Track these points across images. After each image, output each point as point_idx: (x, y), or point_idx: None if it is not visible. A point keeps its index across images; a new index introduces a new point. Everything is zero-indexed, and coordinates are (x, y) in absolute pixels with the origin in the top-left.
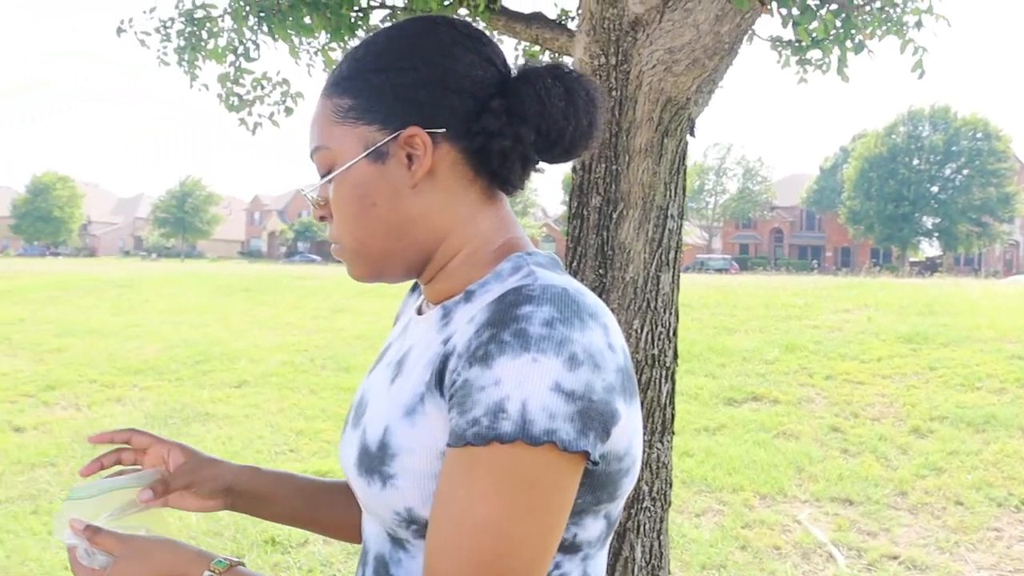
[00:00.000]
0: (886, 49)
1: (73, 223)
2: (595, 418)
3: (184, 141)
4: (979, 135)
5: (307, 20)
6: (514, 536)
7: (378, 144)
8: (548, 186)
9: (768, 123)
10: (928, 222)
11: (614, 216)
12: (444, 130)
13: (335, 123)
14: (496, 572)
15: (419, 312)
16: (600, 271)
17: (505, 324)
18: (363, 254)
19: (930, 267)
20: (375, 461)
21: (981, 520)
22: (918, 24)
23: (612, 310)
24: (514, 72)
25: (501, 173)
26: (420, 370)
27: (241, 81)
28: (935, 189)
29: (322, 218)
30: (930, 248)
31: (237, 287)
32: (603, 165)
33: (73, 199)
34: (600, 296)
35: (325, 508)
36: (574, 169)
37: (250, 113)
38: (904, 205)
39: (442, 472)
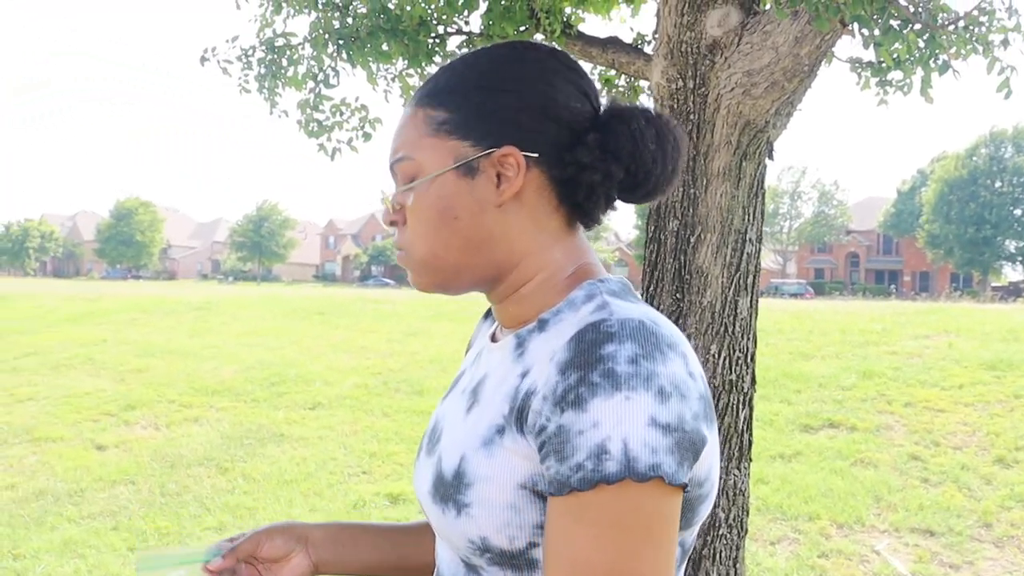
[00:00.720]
0: (967, 69)
1: (154, 247)
2: (688, 448)
3: (262, 166)
4: None
5: (385, 47)
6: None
7: (470, 158)
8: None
9: (844, 146)
10: (1011, 246)
11: (692, 240)
12: (537, 155)
13: (425, 134)
14: None
15: (493, 339)
16: (677, 295)
17: (592, 365)
18: (434, 265)
19: (1013, 292)
20: (450, 489)
21: None
22: (1004, 42)
23: (689, 335)
24: (604, 107)
25: (585, 206)
26: (498, 402)
27: (320, 107)
28: (1018, 212)
29: (392, 223)
30: (1013, 273)
31: (312, 310)
32: (681, 189)
33: (154, 223)
34: (677, 321)
35: (411, 549)
36: None
37: (329, 139)
38: (986, 228)
39: (549, 522)
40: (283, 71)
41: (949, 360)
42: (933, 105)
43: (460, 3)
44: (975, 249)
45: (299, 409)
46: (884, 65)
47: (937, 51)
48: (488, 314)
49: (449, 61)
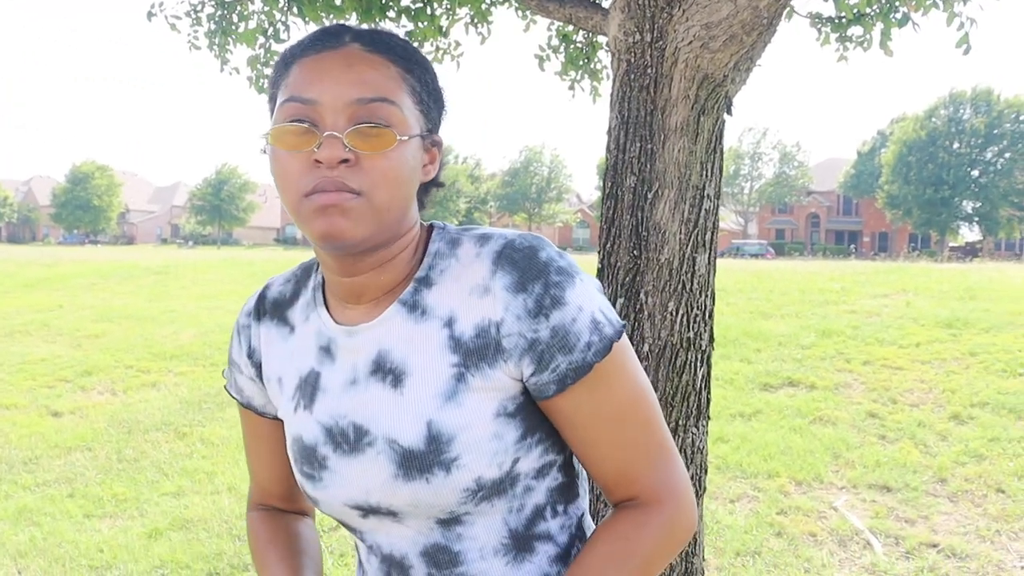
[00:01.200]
0: (928, 28)
1: (112, 212)
2: None
3: (220, 129)
4: (1022, 117)
5: (337, 1)
6: (650, 399)
7: (431, 133)
8: (583, 171)
9: (805, 107)
10: (968, 206)
11: (649, 196)
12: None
13: (405, 92)
14: (660, 431)
15: (335, 321)
16: (635, 252)
17: (543, 272)
18: (383, 218)
19: (970, 252)
20: (429, 456)
21: (1023, 508)
22: None
23: (647, 292)
24: None
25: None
26: (436, 360)
27: (271, 63)
28: (976, 173)
29: (344, 161)
30: (970, 233)
31: (273, 272)
32: (638, 144)
33: (111, 188)
34: (635, 278)
35: (318, 559)
36: (608, 149)
37: None
38: (943, 189)
39: (573, 410)
40: (234, 27)
41: (907, 319)
42: (889, 66)
43: None
44: (933, 210)
45: None
46: (844, 19)
47: (897, 3)
48: (262, 313)
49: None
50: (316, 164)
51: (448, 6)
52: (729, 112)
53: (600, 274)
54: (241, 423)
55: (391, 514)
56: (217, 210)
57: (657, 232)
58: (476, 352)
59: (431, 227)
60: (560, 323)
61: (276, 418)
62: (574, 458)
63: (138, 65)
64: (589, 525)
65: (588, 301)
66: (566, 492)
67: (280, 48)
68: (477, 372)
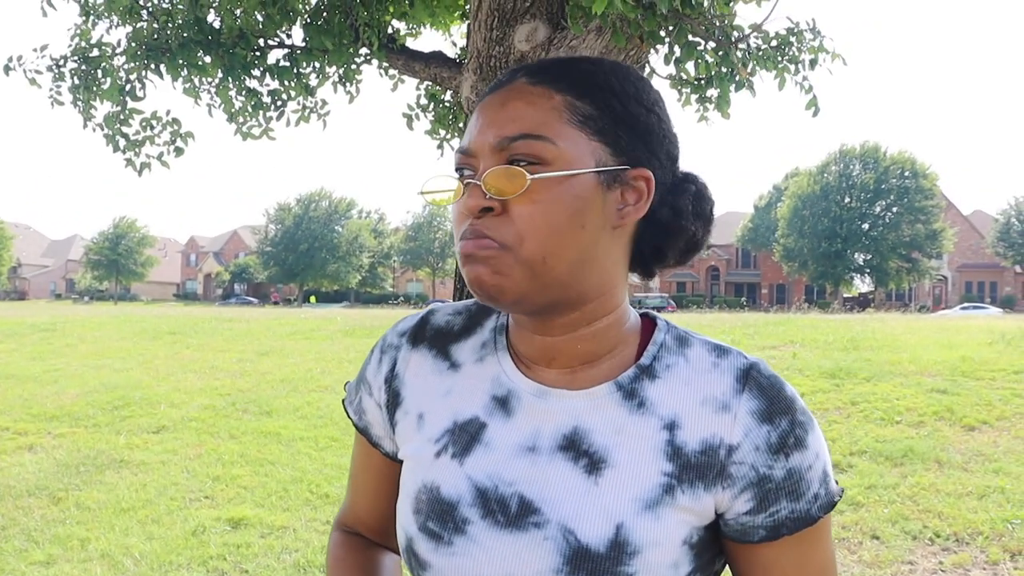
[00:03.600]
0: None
1: (2, 266)
2: None
3: (118, 181)
4: (907, 173)
5: (205, 59)
6: (836, 566)
7: (612, 167)
8: None
9: (701, 164)
10: (860, 258)
11: None
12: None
13: (567, 122)
14: None
15: (517, 368)
16: None
17: (790, 408)
18: (537, 271)
19: (862, 303)
20: (606, 563)
21: (896, 554)
22: (812, 63)
23: None
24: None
25: (664, 253)
26: (646, 460)
27: (130, 121)
28: (866, 226)
29: (484, 210)
30: (862, 284)
31: (164, 330)
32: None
33: (2, 241)
34: None
35: None
36: None
37: (138, 154)
38: (836, 242)
39: (776, 561)
40: (98, 83)
41: (792, 369)
42: (788, 118)
43: (278, 17)
44: (827, 262)
45: (142, 433)
46: (702, 81)
47: (732, 68)
48: (421, 339)
49: (565, 56)
50: (468, 215)
51: (317, 66)
52: None
53: None
54: (354, 443)
55: None
56: (114, 265)
57: None
58: (696, 468)
59: (651, 318)
60: (797, 467)
61: (387, 455)
62: None
63: (29, 112)
64: None
65: (823, 451)
66: None
67: (140, 106)
68: (689, 490)
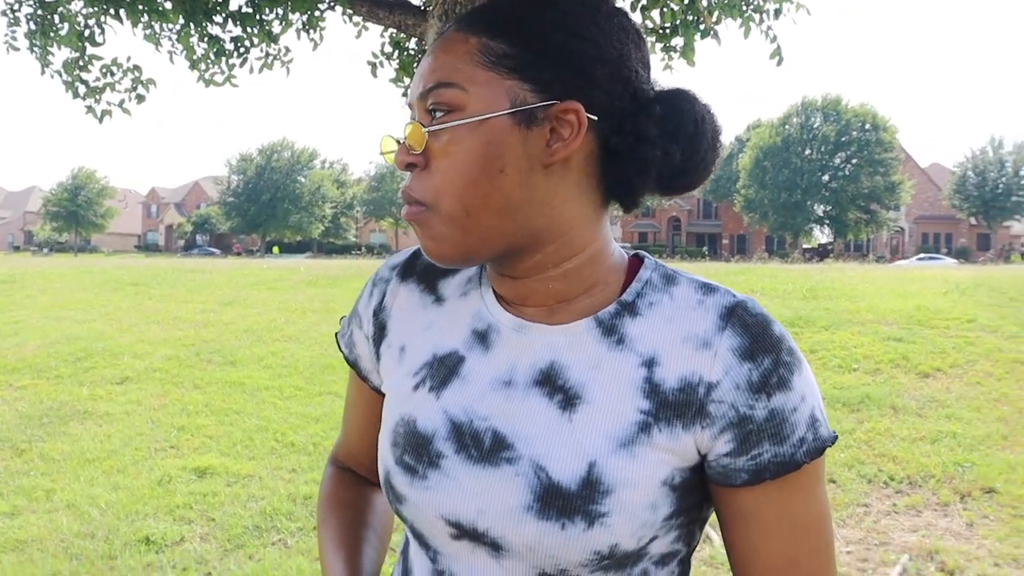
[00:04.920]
0: (785, 36)
1: None
2: None
3: (77, 130)
4: (867, 126)
5: (166, 4)
6: (831, 522)
7: (530, 104)
8: None
9: None
10: (820, 210)
11: None
12: (597, 118)
13: (480, 65)
14: (833, 559)
15: (499, 303)
16: None
17: (776, 347)
18: (464, 226)
19: (821, 253)
20: (577, 501)
21: (852, 497)
22: (777, 12)
23: None
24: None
25: (634, 183)
26: (623, 397)
27: (89, 68)
28: (826, 178)
29: (409, 166)
30: (822, 235)
31: (126, 281)
32: None
33: None
34: None
35: (383, 538)
36: None
37: (98, 101)
38: (797, 193)
39: (759, 506)
40: (55, 28)
41: None
42: (751, 68)
43: None
44: (788, 213)
45: (106, 384)
46: (667, 30)
47: (697, 16)
48: (410, 273)
49: None
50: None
51: (280, 12)
52: None
53: None
54: (348, 378)
55: (494, 546)
56: (74, 216)
57: None
58: (673, 406)
59: (640, 257)
60: (780, 407)
61: (375, 389)
62: (691, 558)
63: None
64: None
65: (811, 393)
66: None
67: (100, 52)
68: (666, 429)
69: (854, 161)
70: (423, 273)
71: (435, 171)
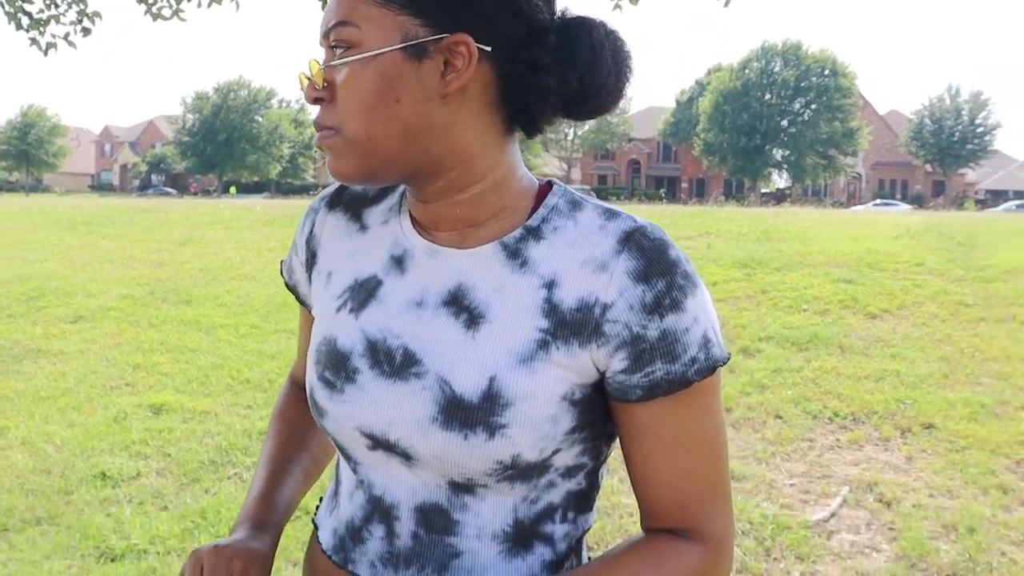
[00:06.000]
0: None
1: None
2: None
3: (25, 65)
4: (827, 72)
5: None
6: (725, 437)
7: (420, 39)
8: None
9: None
10: (778, 154)
11: None
12: (490, 49)
13: (373, 3)
14: (725, 470)
15: (427, 239)
16: None
17: (671, 270)
18: (366, 149)
19: (779, 198)
20: (478, 412)
21: (797, 432)
22: None
23: None
24: (561, 13)
25: (532, 111)
26: (524, 317)
27: None
28: (785, 123)
29: (317, 100)
30: (780, 180)
31: (79, 221)
32: None
33: None
34: None
35: (318, 457)
36: None
37: (42, 33)
38: (756, 138)
39: (653, 421)
40: None
41: (707, 259)
42: (715, 13)
43: None
44: (747, 157)
45: (59, 323)
46: None
47: None
48: (337, 203)
49: None
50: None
51: None
52: None
53: None
54: None
55: (405, 456)
56: (24, 155)
57: None
58: (571, 326)
59: (550, 184)
60: (672, 328)
61: (312, 313)
62: (600, 471)
63: None
64: (585, 549)
65: (704, 315)
66: (582, 502)
67: None
68: (564, 346)
69: (813, 107)
70: (349, 203)
71: (339, 102)
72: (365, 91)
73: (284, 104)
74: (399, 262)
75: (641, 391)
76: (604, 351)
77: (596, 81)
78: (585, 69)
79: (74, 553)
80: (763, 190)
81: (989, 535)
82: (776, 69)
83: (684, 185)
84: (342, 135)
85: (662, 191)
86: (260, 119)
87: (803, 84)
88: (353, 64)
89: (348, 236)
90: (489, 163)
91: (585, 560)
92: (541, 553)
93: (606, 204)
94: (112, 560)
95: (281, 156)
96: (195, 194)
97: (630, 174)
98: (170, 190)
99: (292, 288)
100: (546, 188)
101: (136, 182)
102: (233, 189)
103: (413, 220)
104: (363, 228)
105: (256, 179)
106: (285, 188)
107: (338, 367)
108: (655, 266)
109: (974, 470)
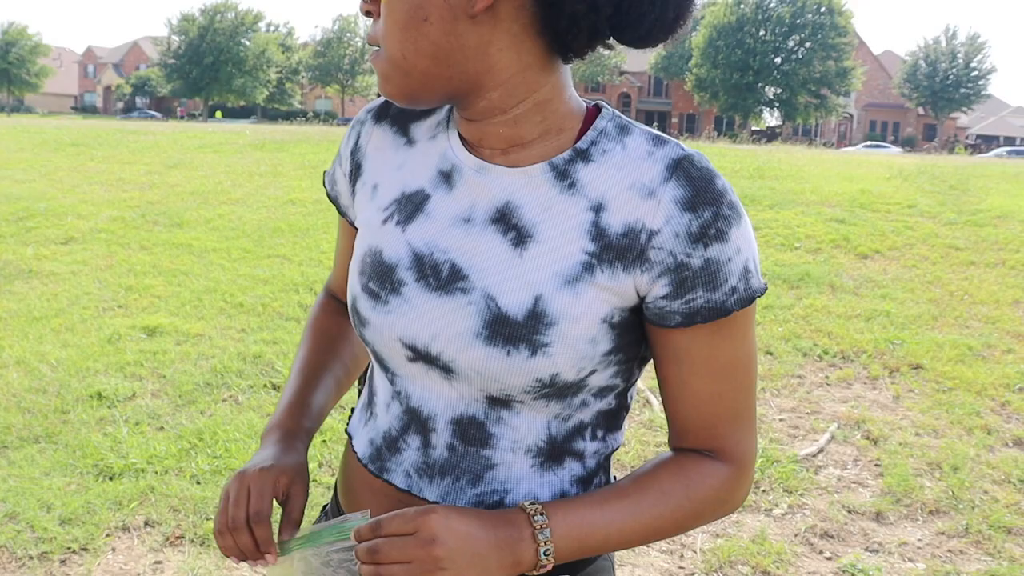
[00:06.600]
0: None
1: None
2: None
3: None
4: (823, 9)
5: None
6: (756, 364)
7: None
8: None
9: None
10: (770, 92)
11: None
12: None
13: None
14: (754, 395)
15: (478, 156)
16: None
17: (717, 200)
18: (403, 68)
19: (770, 136)
20: (522, 330)
21: (787, 368)
22: None
23: None
24: None
25: (565, 37)
26: (570, 239)
27: None
28: (779, 60)
29: (368, 12)
30: (771, 118)
31: (66, 142)
32: None
33: None
34: None
35: (349, 368)
36: None
37: None
38: (748, 75)
39: (690, 347)
40: None
41: None
42: None
43: None
44: (738, 94)
45: (50, 244)
46: None
47: None
48: (384, 115)
49: None
50: None
51: None
52: None
53: None
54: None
55: (445, 369)
56: (5, 74)
57: None
58: (616, 250)
59: (598, 107)
60: (715, 257)
61: (352, 224)
62: (630, 392)
63: None
64: (611, 466)
65: (747, 246)
66: (612, 420)
67: None
68: (608, 270)
69: (807, 44)
70: (396, 116)
71: (382, 19)
72: (399, 8)
73: (272, 28)
74: (447, 177)
75: (680, 317)
76: (647, 276)
77: (635, 9)
78: None
79: (73, 470)
80: (754, 128)
81: (972, 474)
82: (771, 5)
83: (674, 120)
84: (383, 53)
85: (653, 126)
86: (247, 43)
87: (798, 21)
88: None
89: (394, 149)
90: (531, 84)
91: (613, 479)
92: (571, 468)
93: (654, 130)
94: (110, 478)
95: (268, 81)
96: (182, 118)
97: (621, 108)
98: (155, 113)
99: (334, 199)
100: (594, 111)
101: (120, 104)
102: (219, 114)
103: (460, 137)
104: (410, 142)
105: (242, 104)
106: (271, 114)
107: (383, 278)
108: (702, 195)
109: (960, 410)
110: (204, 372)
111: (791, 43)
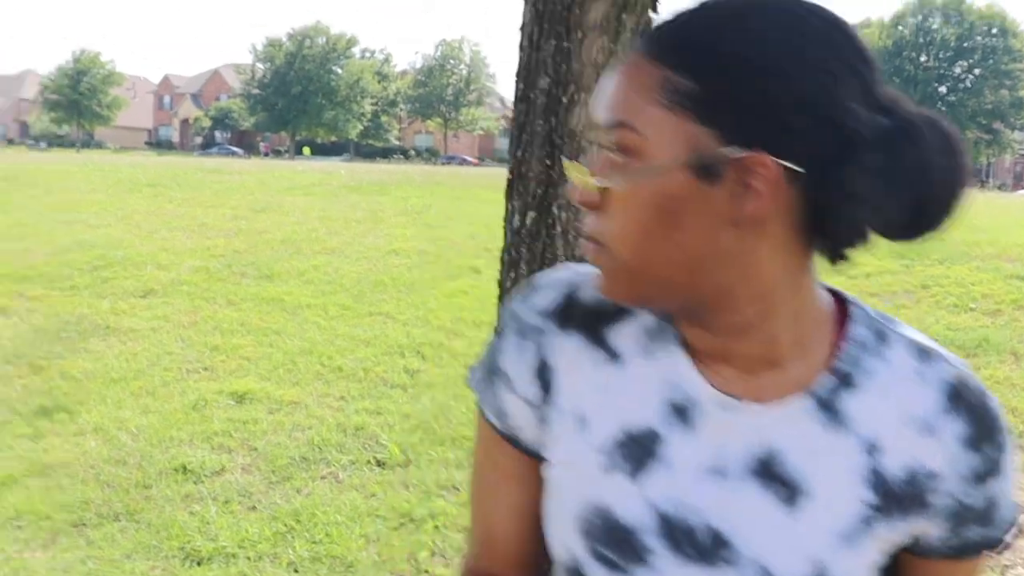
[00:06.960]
0: None
1: None
2: None
3: (79, 7)
4: (995, 31)
5: None
6: None
7: (711, 157)
8: (507, 72)
9: None
10: None
11: (564, 100)
12: (794, 170)
13: (657, 103)
14: None
15: (693, 365)
16: (547, 162)
17: (998, 432)
18: (638, 275)
19: None
20: None
21: None
22: None
23: (560, 205)
24: (883, 114)
25: (841, 241)
26: (845, 489)
27: None
28: (943, 89)
29: (586, 204)
30: None
31: (142, 182)
32: (553, 42)
33: None
34: (547, 190)
35: None
36: (521, 47)
37: None
38: None
39: (955, 571)
40: None
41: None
42: None
43: None
44: None
45: (128, 297)
46: None
47: None
48: (569, 319)
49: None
50: None
51: None
52: (654, 9)
53: (510, 186)
54: (477, 452)
55: None
56: (76, 106)
57: (572, 139)
58: (899, 499)
59: (840, 299)
60: (994, 494)
61: (533, 455)
62: None
63: None
64: None
65: (1013, 471)
66: None
67: None
68: (888, 522)
69: (977, 71)
70: (584, 320)
71: (611, 215)
72: (641, 213)
73: (367, 54)
74: (682, 413)
75: (949, 550)
76: (924, 520)
77: (921, 204)
78: (912, 191)
79: (157, 553)
80: None
81: None
82: (935, 26)
83: None
84: (611, 255)
85: None
86: (339, 71)
87: (966, 45)
88: (633, 176)
89: (594, 366)
90: (792, 295)
91: None
92: None
93: (913, 334)
94: (198, 563)
95: (362, 114)
96: (266, 155)
97: None
98: (236, 149)
99: (510, 437)
100: (841, 309)
101: (198, 139)
102: (307, 150)
103: (686, 344)
104: (614, 357)
105: (333, 139)
106: (366, 150)
107: (622, 545)
108: (983, 428)
109: None
110: (300, 445)
111: (958, 70)
